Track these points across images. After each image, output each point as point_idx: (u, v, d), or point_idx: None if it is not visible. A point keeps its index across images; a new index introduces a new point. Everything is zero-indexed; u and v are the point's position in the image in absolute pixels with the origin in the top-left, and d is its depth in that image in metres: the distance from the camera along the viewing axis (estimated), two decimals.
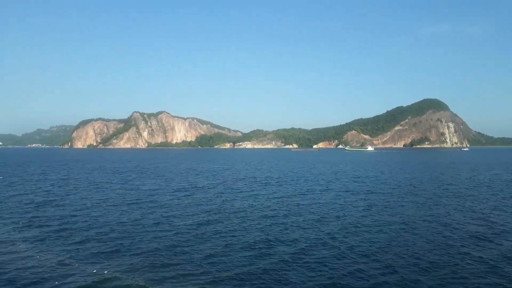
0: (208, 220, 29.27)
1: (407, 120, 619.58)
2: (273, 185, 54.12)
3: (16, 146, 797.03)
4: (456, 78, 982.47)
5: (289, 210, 33.22)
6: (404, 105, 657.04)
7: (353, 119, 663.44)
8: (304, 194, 43.67)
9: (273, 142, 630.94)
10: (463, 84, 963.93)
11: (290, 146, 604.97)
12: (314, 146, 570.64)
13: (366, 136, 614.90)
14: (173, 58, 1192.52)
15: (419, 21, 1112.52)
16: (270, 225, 27.35)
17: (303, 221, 28.70)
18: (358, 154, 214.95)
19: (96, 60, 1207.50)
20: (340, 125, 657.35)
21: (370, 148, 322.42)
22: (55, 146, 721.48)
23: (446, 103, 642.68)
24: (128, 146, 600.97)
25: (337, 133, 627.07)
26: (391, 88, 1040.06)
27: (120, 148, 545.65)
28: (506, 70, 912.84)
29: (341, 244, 22.21)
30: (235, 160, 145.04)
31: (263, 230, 25.78)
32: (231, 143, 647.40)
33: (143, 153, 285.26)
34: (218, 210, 33.32)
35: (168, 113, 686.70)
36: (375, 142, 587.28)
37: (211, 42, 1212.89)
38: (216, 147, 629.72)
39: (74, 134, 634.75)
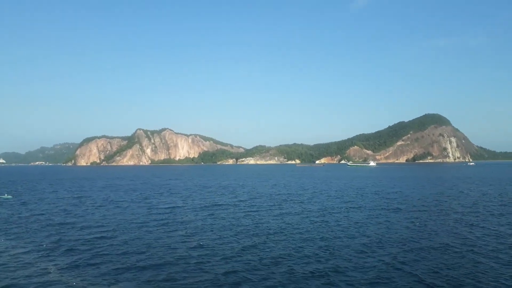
0: (255, 243, 26.74)
1: (409, 135, 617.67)
2: (297, 202, 52.03)
3: (19, 164, 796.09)
4: (456, 92, 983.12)
5: (332, 231, 31.04)
6: (406, 120, 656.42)
7: (355, 135, 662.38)
8: (336, 212, 41.59)
9: (276, 157, 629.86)
10: (464, 99, 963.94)
11: (293, 162, 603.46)
12: (317, 162, 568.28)
13: (369, 151, 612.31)
14: (175, 74, 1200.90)
15: (419, 35, 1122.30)
16: (327, 249, 25.17)
17: (362, 244, 26.32)
18: (361, 170, 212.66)
19: (99, 78, 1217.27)
20: (342, 140, 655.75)
21: (372, 163, 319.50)
22: (59, 164, 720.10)
23: (447, 117, 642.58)
24: (131, 163, 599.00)
25: (339, 148, 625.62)
26: (391, 103, 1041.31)
27: (123, 165, 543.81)
28: (508, 84, 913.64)
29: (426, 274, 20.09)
30: (242, 176, 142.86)
31: (321, 256, 23.62)
32: (234, 159, 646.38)
33: (148, 170, 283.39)
34: (257, 232, 31.01)
35: (171, 130, 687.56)
36: (377, 157, 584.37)
37: (212, 56, 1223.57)
38: (219, 163, 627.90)
39: (77, 152, 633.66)
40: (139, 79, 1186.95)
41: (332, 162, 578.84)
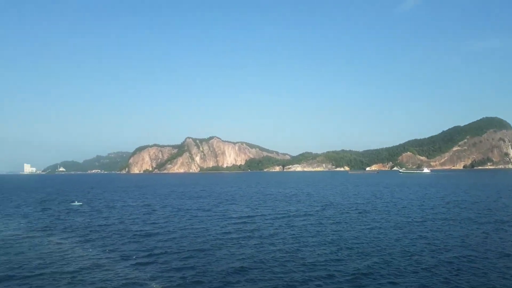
0: (368, 265, 23.89)
1: (465, 140, 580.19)
2: (383, 212, 48.39)
3: (78, 172, 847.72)
4: None
5: (439, 245, 27.58)
6: (461, 124, 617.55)
7: (406, 140, 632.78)
8: (442, 225, 37.69)
9: (324, 164, 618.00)
10: None
11: (342, 169, 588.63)
12: (368, 169, 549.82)
13: (423, 158, 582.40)
14: (221, 83, 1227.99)
15: (473, 34, 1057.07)
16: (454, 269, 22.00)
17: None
18: (415, 177, 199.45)
19: (150, 89, 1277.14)
20: (394, 146, 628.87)
21: (426, 170, 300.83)
22: (113, 172, 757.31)
23: (508, 121, 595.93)
24: (181, 170, 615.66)
25: (390, 154, 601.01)
26: (445, 107, 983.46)
27: (174, 173, 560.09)
28: None
29: None
30: (297, 183, 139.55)
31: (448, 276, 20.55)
32: (281, 166, 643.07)
33: (199, 177, 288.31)
34: (358, 247, 28.19)
35: (219, 138, 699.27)
36: (432, 163, 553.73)
37: (257, 64, 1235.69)
38: (265, 170, 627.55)
39: (131, 160, 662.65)
40: (187, 89, 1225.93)
41: (383, 169, 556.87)
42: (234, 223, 40.03)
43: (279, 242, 29.83)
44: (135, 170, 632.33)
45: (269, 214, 46.78)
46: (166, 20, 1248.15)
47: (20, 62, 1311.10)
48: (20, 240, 32.08)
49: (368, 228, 35.82)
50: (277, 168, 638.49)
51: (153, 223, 41.60)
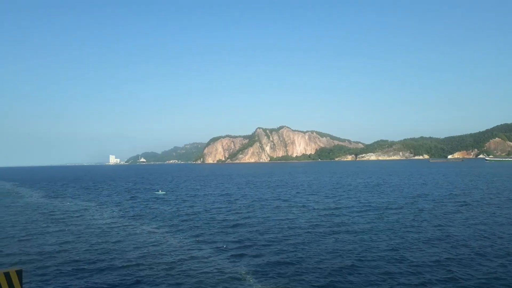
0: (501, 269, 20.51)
1: None
2: (479, 205, 42.75)
3: (157, 163, 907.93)
4: None
5: None
6: None
7: (494, 125, 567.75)
8: None
9: (400, 153, 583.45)
10: None
11: (421, 157, 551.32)
12: (449, 156, 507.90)
13: None
14: (289, 72, 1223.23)
15: None
16: None
17: None
18: (507, 165, 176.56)
19: (223, 84, 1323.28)
20: (479, 132, 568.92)
21: None
22: (189, 162, 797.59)
23: None
24: (252, 160, 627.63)
25: (476, 141, 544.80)
26: None
27: (245, 163, 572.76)
28: None
29: None
30: (376, 173, 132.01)
31: None
32: (353, 155, 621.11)
33: (270, 166, 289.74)
34: (476, 246, 24.50)
35: (289, 128, 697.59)
36: None
37: (325, 52, 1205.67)
38: (337, 159, 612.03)
39: (205, 151, 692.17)
40: (257, 79, 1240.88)
41: (467, 157, 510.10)
42: (320, 215, 37.78)
43: (377, 237, 26.98)
44: (209, 160, 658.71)
45: (356, 206, 43.69)
46: (234, 17, 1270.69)
47: (108, 63, 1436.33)
48: (116, 228, 33.34)
49: (475, 224, 31.31)
50: (349, 157, 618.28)
51: (237, 212, 41.11)
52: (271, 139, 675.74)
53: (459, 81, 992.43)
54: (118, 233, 30.96)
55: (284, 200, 51.88)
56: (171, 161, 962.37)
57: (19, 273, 8.72)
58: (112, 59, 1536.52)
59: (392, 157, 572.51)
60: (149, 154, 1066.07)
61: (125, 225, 34.54)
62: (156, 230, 31.84)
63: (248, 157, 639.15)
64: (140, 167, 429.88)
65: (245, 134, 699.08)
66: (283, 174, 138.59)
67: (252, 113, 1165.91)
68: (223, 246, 25.60)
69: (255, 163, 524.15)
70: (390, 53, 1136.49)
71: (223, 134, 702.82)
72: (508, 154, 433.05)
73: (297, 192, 63.92)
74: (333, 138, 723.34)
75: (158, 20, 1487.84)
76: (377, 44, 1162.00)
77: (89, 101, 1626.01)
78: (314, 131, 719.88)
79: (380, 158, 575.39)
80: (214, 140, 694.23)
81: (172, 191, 73.57)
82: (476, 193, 55.68)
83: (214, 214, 40.40)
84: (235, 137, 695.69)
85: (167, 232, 31.11)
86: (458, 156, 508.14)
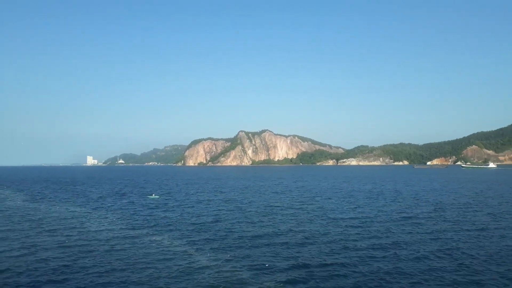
0: None
1: None
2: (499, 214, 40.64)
3: (136, 164, 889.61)
4: None
5: None
6: None
7: (471, 133, 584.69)
8: None
9: (381, 158, 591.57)
10: None
11: (400, 163, 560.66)
12: (428, 163, 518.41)
13: (490, 152, 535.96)
14: (273, 78, 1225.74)
15: None
16: None
17: None
18: (481, 173, 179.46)
19: (205, 86, 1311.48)
20: (457, 139, 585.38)
21: (492, 165, 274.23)
22: (169, 164, 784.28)
23: None
24: (234, 163, 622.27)
25: (454, 148, 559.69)
26: None
27: (227, 166, 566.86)
28: None
29: None
30: (369, 178, 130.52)
31: None
32: (334, 160, 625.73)
33: (254, 170, 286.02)
34: None
35: (271, 131, 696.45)
36: (500, 158, 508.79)
37: (308, 58, 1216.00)
38: (318, 164, 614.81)
39: (186, 153, 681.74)
40: (240, 83, 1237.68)
41: (445, 163, 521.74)
42: (346, 226, 34.59)
43: (426, 253, 24.07)
44: (190, 162, 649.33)
45: (377, 216, 40.73)
46: (219, 20, 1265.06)
47: (84, 62, 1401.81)
48: (121, 239, 29.39)
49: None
50: (331, 162, 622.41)
51: (251, 222, 37.52)
52: (253, 142, 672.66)
53: (438, 89, 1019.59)
54: (124, 246, 26.83)
55: (297, 209, 48.44)
56: (150, 163, 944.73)
57: None
58: (92, 59, 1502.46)
59: (373, 162, 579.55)
60: (127, 156, 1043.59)
61: (133, 236, 30.38)
62: (175, 244, 27.87)
63: (230, 160, 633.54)
64: (119, 169, 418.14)
65: (227, 137, 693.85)
66: (274, 179, 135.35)
67: (234, 116, 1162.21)
68: (265, 265, 22.07)
69: (237, 167, 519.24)
70: (371, 60, 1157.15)
71: (205, 137, 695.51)
72: (485, 162, 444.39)
73: (304, 198, 60.66)
74: (314, 142, 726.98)
75: (142, 20, 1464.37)
76: (360, 51, 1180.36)
77: (66, 100, 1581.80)
78: (296, 135, 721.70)
79: (360, 163, 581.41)
80: (196, 142, 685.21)
81: (166, 195, 69.25)
82: (488, 200, 53.94)
83: (230, 224, 36.61)
84: (217, 140, 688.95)
85: (188, 245, 27.28)
86: (436, 163, 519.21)
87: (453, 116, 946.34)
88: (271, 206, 50.77)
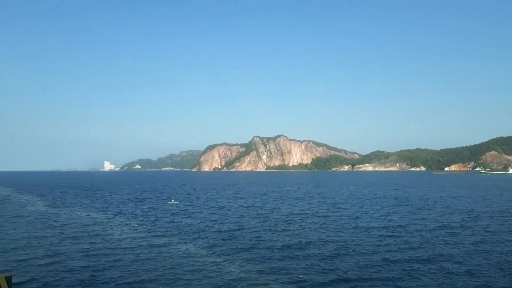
0: None
1: None
2: None
3: (152, 170, 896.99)
4: None
5: None
6: None
7: (490, 138, 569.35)
8: None
9: (397, 164, 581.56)
10: None
11: (417, 169, 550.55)
12: (446, 169, 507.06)
13: (510, 157, 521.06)
14: (287, 83, 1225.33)
15: None
16: None
17: None
18: (499, 179, 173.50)
19: (220, 91, 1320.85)
20: (475, 144, 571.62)
21: (511, 171, 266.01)
22: (184, 169, 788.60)
23: None
24: (249, 169, 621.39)
25: (472, 154, 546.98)
26: None
27: (242, 171, 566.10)
28: None
29: None
30: (389, 185, 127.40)
31: None
32: (350, 166, 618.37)
33: (270, 176, 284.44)
34: None
35: (285, 137, 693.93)
36: None
37: (323, 63, 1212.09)
38: (333, 169, 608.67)
39: (201, 158, 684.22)
40: (254, 88, 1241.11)
41: (464, 169, 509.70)
42: (380, 236, 32.74)
43: (477, 267, 22.26)
44: (205, 168, 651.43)
45: (410, 225, 38.68)
46: (234, 23, 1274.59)
47: (102, 67, 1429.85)
48: (146, 248, 28.41)
49: None
50: (346, 168, 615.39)
51: (277, 230, 35.97)
52: (268, 147, 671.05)
53: (455, 94, 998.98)
54: (158, 258, 25.59)
55: (324, 216, 46.73)
56: (166, 168, 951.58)
57: (8, 279, 8.03)
58: (109, 64, 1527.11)
59: (389, 168, 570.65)
60: (144, 161, 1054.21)
61: (160, 246, 29.22)
62: (202, 253, 26.69)
63: (245, 166, 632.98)
64: (136, 174, 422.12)
65: (242, 142, 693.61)
66: (292, 184, 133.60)
67: (249, 121, 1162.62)
68: (299, 277, 20.71)
69: (251, 172, 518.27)
70: (386, 64, 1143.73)
71: (220, 142, 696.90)
72: (505, 167, 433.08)
73: (327, 205, 58.92)
74: (329, 148, 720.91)
75: (157, 24, 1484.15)
76: (374, 56, 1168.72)
77: (84, 106, 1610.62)
78: (310, 140, 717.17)
79: (377, 169, 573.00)
80: (211, 148, 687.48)
81: (185, 201, 68.47)
82: None
83: (256, 232, 35.15)
84: (232, 145, 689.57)
85: (216, 255, 26.07)
86: (455, 168, 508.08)
87: (471, 121, 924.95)
88: (295, 213, 49.16)
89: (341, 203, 62.94)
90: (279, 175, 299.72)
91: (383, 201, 66.11)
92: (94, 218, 45.50)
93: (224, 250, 27.64)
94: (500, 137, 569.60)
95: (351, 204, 60.43)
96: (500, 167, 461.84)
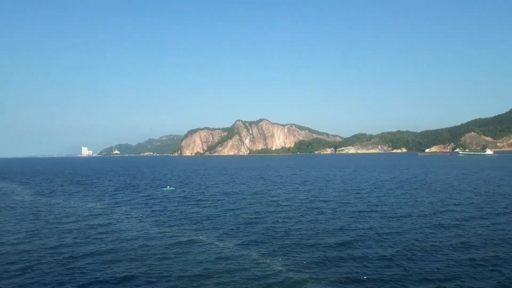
0: None
1: None
2: None
3: (131, 155, 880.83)
4: None
5: None
6: None
7: (469, 120, 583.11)
8: None
9: (379, 146, 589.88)
10: None
11: (399, 151, 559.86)
12: (427, 150, 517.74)
13: (488, 138, 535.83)
14: (269, 66, 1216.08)
15: None
16: None
17: None
18: (477, 160, 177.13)
19: (200, 74, 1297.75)
20: (455, 126, 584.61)
21: (489, 152, 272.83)
22: (165, 154, 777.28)
23: None
24: (231, 153, 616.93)
25: (452, 135, 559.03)
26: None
27: (225, 155, 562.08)
28: None
29: None
30: (380, 167, 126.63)
31: None
32: (332, 149, 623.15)
33: (255, 159, 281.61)
34: None
35: (268, 120, 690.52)
36: (499, 144, 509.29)
37: (302, 45, 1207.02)
38: (316, 152, 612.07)
39: (183, 143, 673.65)
40: (236, 72, 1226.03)
41: (444, 150, 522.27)
42: (431, 226, 30.32)
43: None
44: (187, 152, 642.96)
45: (446, 211, 36.55)
46: (215, 12, 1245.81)
47: (79, 54, 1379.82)
48: (168, 243, 25.35)
49: None
50: (329, 150, 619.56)
51: (302, 220, 33.34)
52: (250, 131, 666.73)
53: (436, 77, 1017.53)
54: (186, 255, 22.45)
55: (346, 203, 44.18)
56: (146, 153, 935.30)
57: None
58: (87, 49, 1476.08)
59: (371, 150, 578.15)
60: (123, 146, 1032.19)
61: (183, 241, 25.86)
62: (232, 247, 23.74)
63: (227, 150, 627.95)
64: (115, 159, 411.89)
65: (224, 127, 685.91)
66: (284, 168, 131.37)
67: (231, 105, 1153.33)
68: (363, 277, 17.97)
69: (234, 156, 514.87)
70: (369, 48, 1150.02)
71: (201, 126, 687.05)
72: (483, 148, 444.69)
73: (337, 191, 56.56)
74: (311, 131, 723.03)
75: (142, 12, 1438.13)
76: (357, 39, 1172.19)
77: (60, 91, 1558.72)
78: (293, 124, 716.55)
79: (359, 151, 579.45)
80: (192, 132, 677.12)
81: (181, 187, 65.02)
82: None
83: (281, 223, 32.16)
84: (214, 129, 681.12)
85: (248, 249, 23.21)
86: (436, 150, 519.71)
87: (450, 103, 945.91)
88: (319, 200, 45.31)
89: (351, 188, 60.65)
90: (264, 159, 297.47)
91: (393, 185, 64.31)
92: (92, 208, 41.67)
93: (256, 243, 24.74)
94: (479, 119, 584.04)
95: (366, 191, 58.22)
96: (479, 148, 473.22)
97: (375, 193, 51.42)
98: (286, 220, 32.57)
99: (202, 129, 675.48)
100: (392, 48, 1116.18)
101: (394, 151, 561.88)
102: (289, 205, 41.40)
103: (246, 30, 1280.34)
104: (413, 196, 46.73)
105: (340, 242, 24.59)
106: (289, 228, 28.93)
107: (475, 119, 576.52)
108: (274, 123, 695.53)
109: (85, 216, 36.14)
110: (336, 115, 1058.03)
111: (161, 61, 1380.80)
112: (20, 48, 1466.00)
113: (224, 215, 35.32)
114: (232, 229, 29.08)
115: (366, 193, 51.69)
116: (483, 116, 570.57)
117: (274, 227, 29.61)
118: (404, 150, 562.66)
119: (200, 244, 24.63)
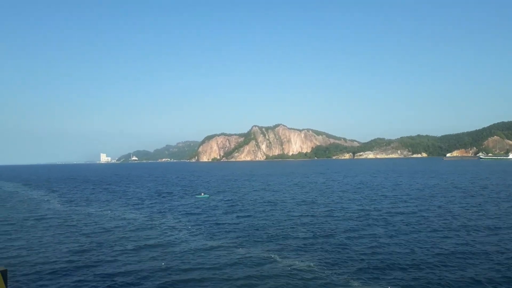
0: None
1: None
2: None
3: (149, 161, 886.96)
4: None
5: None
6: None
7: (491, 123, 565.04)
8: None
9: (398, 151, 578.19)
10: None
11: (419, 155, 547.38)
12: (448, 155, 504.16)
13: None
14: (286, 72, 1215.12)
15: None
16: None
17: None
18: (498, 164, 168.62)
19: (217, 80, 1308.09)
20: (477, 130, 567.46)
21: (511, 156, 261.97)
22: (182, 160, 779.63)
23: None
24: (248, 158, 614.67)
25: (474, 139, 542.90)
26: None
27: (241, 161, 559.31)
28: None
29: None
30: (409, 173, 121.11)
31: None
32: (351, 154, 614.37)
33: (274, 165, 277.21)
34: None
35: (284, 126, 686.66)
36: None
37: (318, 49, 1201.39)
38: (334, 158, 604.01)
39: (200, 149, 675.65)
40: (252, 78, 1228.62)
41: (466, 155, 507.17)
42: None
43: None
44: (204, 158, 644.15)
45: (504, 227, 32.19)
46: (232, 15, 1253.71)
47: (97, 59, 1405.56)
48: (226, 257, 21.71)
49: None
50: (347, 156, 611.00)
51: (365, 231, 29.41)
52: (267, 137, 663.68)
53: (455, 79, 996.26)
54: (261, 276, 18.83)
55: (409, 214, 40.09)
56: (163, 159, 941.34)
57: (3, 273, 8.13)
58: (106, 56, 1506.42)
59: (390, 155, 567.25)
60: (141, 153, 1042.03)
61: (244, 254, 22.33)
62: (305, 268, 19.87)
63: (244, 156, 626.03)
64: (134, 166, 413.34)
65: (240, 132, 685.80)
66: (315, 175, 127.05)
67: (247, 111, 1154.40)
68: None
69: (251, 162, 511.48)
70: (387, 52, 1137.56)
71: (218, 132, 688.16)
72: (506, 152, 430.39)
73: (390, 199, 52.38)
74: (329, 136, 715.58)
75: (155, 16, 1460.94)
76: (375, 43, 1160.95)
77: (79, 98, 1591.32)
78: (310, 129, 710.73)
79: (378, 156, 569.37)
80: (209, 138, 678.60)
81: (214, 194, 61.83)
82: None
83: (358, 239, 28.34)
84: (230, 135, 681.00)
85: (322, 269, 19.25)
86: (457, 154, 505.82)
87: (471, 106, 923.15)
88: (390, 212, 40.75)
89: (400, 195, 56.33)
90: (283, 165, 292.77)
91: (436, 191, 59.67)
92: (135, 218, 38.43)
93: (345, 268, 20.81)
94: (502, 122, 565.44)
95: (423, 199, 53.86)
96: (503, 152, 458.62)
97: (452, 203, 47.00)
98: (360, 235, 28.65)
99: (218, 135, 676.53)
100: (410, 51, 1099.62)
101: (414, 155, 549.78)
102: (358, 217, 37.21)
103: (263, 35, 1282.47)
104: (482, 205, 42.24)
105: (442, 262, 20.66)
106: (371, 246, 25.03)
107: (498, 123, 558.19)
108: (291, 128, 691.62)
109: (131, 228, 32.92)
110: (354, 120, 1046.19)
111: (177, 66, 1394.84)
112: (35, 51, 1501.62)
113: (282, 227, 31.64)
114: (299, 246, 25.27)
115: (440, 202, 47.32)
116: (505, 120, 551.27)
117: (348, 244, 25.76)
118: (424, 155, 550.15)
119: (271, 262, 21.11)
